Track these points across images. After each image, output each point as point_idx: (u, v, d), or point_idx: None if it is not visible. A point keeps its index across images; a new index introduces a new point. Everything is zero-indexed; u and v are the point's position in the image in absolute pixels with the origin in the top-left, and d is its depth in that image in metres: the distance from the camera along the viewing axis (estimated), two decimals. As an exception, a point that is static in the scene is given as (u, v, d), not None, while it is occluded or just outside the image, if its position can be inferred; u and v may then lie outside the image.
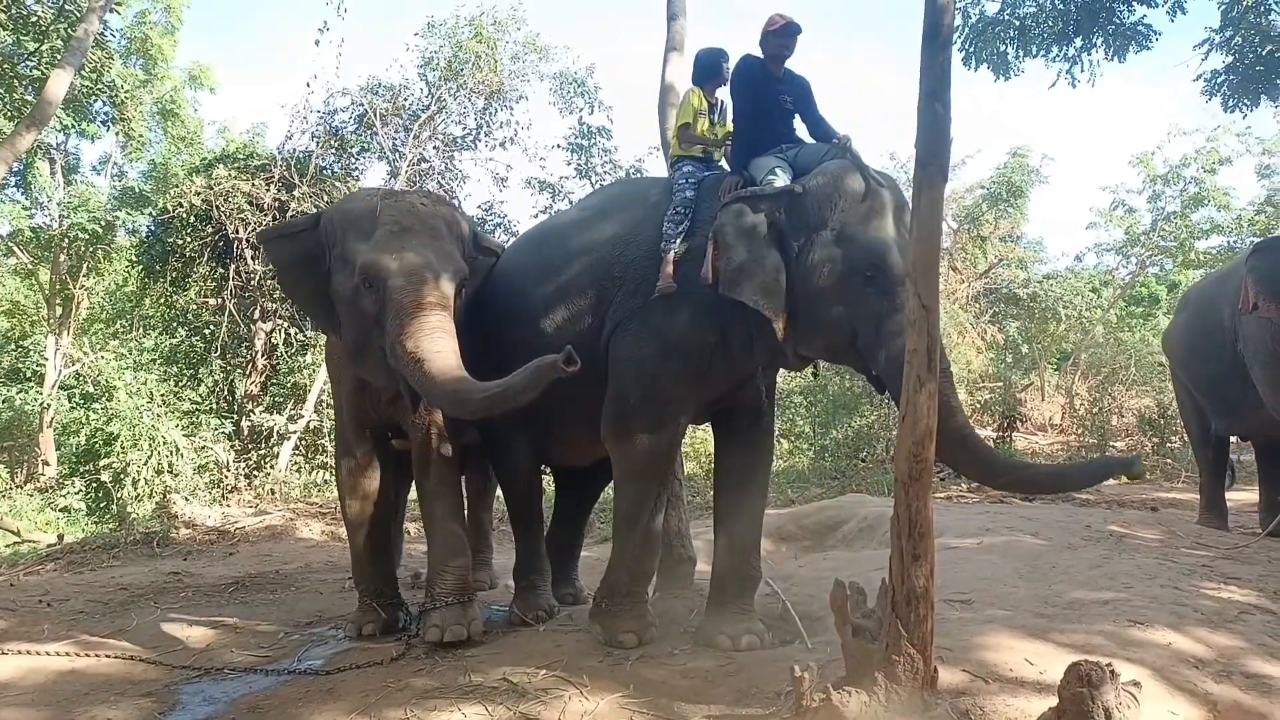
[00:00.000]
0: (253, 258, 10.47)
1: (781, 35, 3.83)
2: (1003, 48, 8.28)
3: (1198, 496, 6.52)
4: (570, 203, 12.15)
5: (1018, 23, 8.13)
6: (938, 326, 2.60)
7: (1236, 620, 3.44)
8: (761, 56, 3.87)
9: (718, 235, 3.40)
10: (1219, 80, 7.95)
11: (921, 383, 2.53)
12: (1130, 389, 13.79)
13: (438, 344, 3.37)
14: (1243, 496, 6.94)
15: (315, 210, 7.72)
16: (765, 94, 3.81)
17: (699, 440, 14.76)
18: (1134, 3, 7.79)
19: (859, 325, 3.29)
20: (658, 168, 9.55)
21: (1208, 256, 16.68)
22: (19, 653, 3.76)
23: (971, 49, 8.33)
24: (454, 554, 3.90)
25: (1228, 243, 16.26)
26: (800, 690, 2.43)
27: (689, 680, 3.14)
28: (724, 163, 4.05)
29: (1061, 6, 7.92)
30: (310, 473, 10.51)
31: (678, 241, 3.59)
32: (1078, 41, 8.09)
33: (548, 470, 5.10)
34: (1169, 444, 10.85)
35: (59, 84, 5.98)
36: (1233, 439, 6.49)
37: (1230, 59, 7.86)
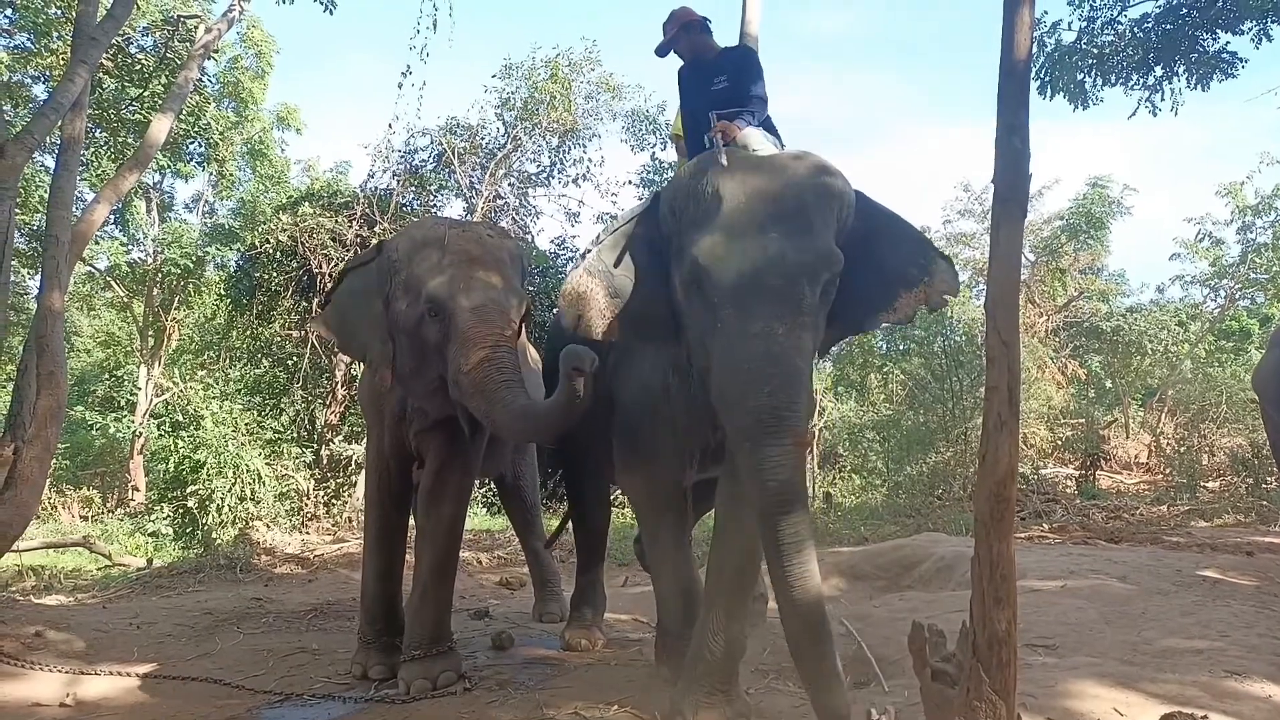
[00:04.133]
0: (335, 292, 10.80)
1: (671, 32, 3.75)
2: (1080, 76, 8.12)
3: (1297, 541, 6.20)
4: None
5: (1096, 51, 7.98)
6: (1018, 362, 2.55)
7: (1343, 674, 3.25)
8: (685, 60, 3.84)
9: None
10: (1310, 107, 7.67)
11: (1002, 420, 2.47)
12: (1221, 427, 13.21)
13: (505, 375, 3.37)
14: (1348, 542, 6.57)
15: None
16: (694, 96, 3.68)
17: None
18: (1218, 31, 7.59)
19: (708, 346, 2.73)
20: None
21: (1302, 290, 15.99)
22: (111, 673, 3.91)
23: (1048, 78, 8.19)
24: (432, 602, 3.87)
25: (1323, 277, 15.59)
26: (877, 734, 2.38)
27: (762, 720, 3.10)
28: None
29: (1141, 35, 7.74)
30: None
31: None
32: (1158, 70, 7.89)
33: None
34: (1264, 485, 10.33)
35: (161, 128, 6.28)
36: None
37: (1323, 85, 7.57)
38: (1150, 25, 7.68)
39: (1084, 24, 8.01)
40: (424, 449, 4.01)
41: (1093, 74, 8.05)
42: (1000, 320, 2.54)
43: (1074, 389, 14.96)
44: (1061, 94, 8.19)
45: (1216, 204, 17.83)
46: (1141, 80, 7.98)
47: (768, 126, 3.57)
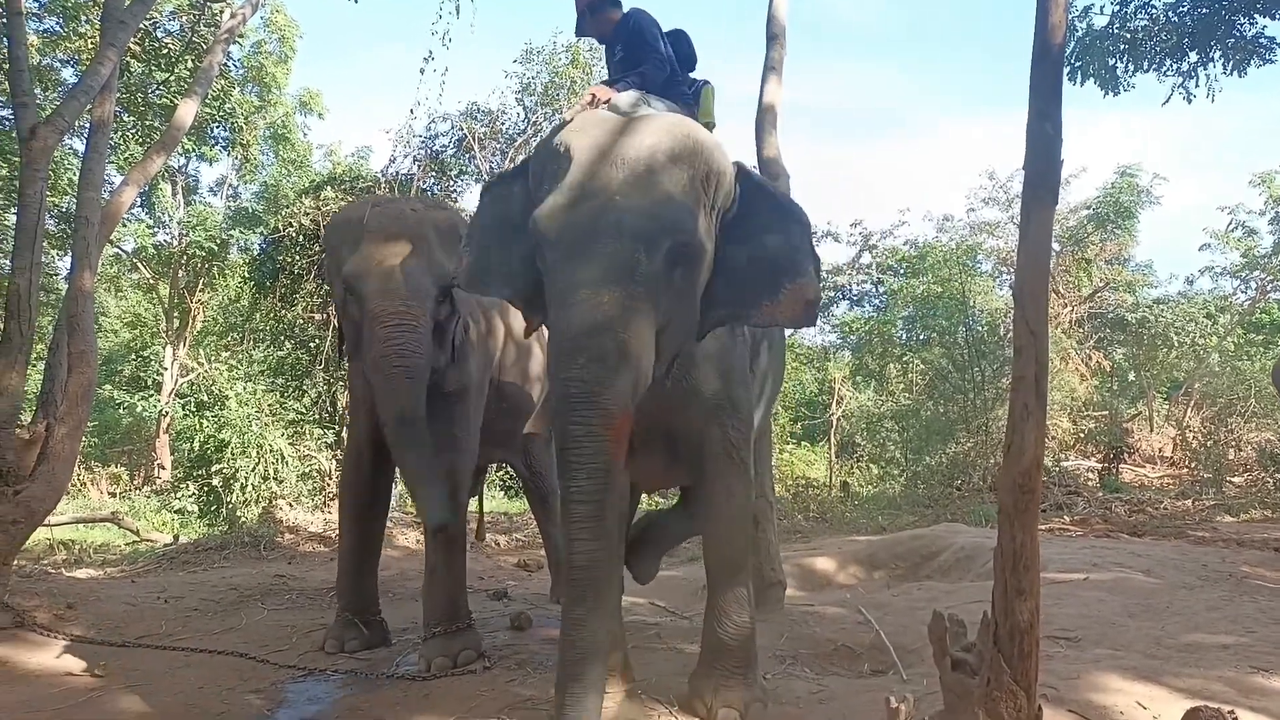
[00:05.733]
0: (357, 275, 10.84)
1: (578, 13, 3.63)
2: (1112, 61, 7.99)
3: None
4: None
5: (1128, 36, 7.84)
6: (1046, 352, 2.52)
7: (1372, 671, 3.21)
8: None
9: None
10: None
11: (1028, 411, 2.45)
12: (1249, 421, 13.03)
13: (400, 361, 3.40)
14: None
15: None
16: (611, 74, 3.51)
17: (784, 463, 14.62)
18: (1255, 14, 7.44)
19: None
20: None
21: (1335, 282, 15.72)
22: (140, 646, 3.98)
23: (1078, 63, 8.07)
24: (442, 580, 3.88)
25: (1358, 268, 15.31)
26: (897, 721, 2.38)
27: (780, 706, 3.10)
28: None
29: (1175, 19, 7.61)
30: (406, 483, 10.80)
31: None
32: (1193, 55, 7.74)
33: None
34: (1292, 480, 10.22)
35: (187, 112, 6.30)
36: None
37: (1363, 73, 7.43)
38: (1185, 9, 7.55)
39: (1116, 8, 7.89)
40: None
41: (1124, 59, 7.93)
42: (1029, 310, 2.51)
43: (1098, 381, 14.81)
44: (1092, 79, 8.08)
45: (1250, 194, 17.54)
46: (1175, 66, 7.84)
47: (670, 84, 3.38)
